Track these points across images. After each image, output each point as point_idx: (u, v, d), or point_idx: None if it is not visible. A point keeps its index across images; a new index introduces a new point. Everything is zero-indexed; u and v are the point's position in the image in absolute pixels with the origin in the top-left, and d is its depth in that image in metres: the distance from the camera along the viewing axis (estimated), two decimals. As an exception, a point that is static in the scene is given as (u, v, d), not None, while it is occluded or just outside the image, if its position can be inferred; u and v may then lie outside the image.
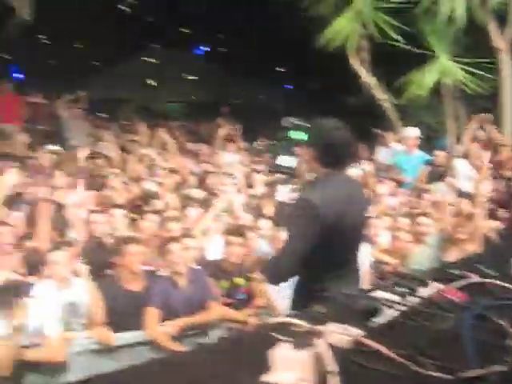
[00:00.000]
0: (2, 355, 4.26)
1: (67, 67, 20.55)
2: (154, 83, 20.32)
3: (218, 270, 5.49)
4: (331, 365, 1.52)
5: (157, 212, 6.52)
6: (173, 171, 8.95)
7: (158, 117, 14.58)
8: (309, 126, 3.56)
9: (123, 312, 4.88)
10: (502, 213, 7.18)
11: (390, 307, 2.00)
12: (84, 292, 4.80)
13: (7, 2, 11.68)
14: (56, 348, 4.52)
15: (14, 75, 19.61)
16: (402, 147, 10.05)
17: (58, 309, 4.66)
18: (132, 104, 16.88)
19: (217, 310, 5.13)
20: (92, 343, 4.77)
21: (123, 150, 10.60)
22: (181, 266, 5.01)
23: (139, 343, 4.88)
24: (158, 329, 4.82)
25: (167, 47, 21.57)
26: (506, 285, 2.23)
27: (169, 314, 4.95)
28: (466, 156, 8.95)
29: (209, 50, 27.15)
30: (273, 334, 1.70)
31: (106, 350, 4.79)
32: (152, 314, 4.86)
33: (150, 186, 8.15)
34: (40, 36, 22.88)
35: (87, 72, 20.31)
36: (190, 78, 21.19)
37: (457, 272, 2.43)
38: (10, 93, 13.98)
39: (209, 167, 9.76)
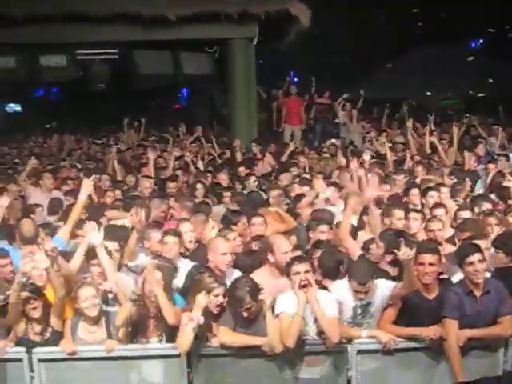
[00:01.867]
0: (288, 329, 4.49)
1: (341, 69, 21.19)
2: (427, 80, 19.72)
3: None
4: None
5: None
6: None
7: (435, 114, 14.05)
8: None
9: (415, 316, 4.81)
10: None
11: None
12: (381, 294, 4.84)
13: (290, 11, 12.43)
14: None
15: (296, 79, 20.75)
16: None
17: (350, 307, 4.81)
18: (407, 103, 16.63)
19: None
20: (375, 343, 4.77)
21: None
22: (479, 275, 4.68)
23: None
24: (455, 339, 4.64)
25: (441, 42, 20.79)
26: None
27: (461, 323, 4.70)
28: None
29: (484, 42, 25.57)
30: None
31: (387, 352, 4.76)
32: (453, 326, 4.65)
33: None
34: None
35: (360, 72, 20.65)
36: (466, 72, 20.10)
37: None
38: (293, 96, 14.95)
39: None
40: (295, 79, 21.83)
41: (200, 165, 10.36)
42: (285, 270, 4.86)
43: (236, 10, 12.04)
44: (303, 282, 4.55)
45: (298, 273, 4.62)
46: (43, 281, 5.01)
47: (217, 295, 4.63)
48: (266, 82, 16.40)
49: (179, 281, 5.23)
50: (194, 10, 11.78)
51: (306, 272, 4.63)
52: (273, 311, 4.65)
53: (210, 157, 11.55)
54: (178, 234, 5.70)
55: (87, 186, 6.18)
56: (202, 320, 4.42)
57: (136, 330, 4.76)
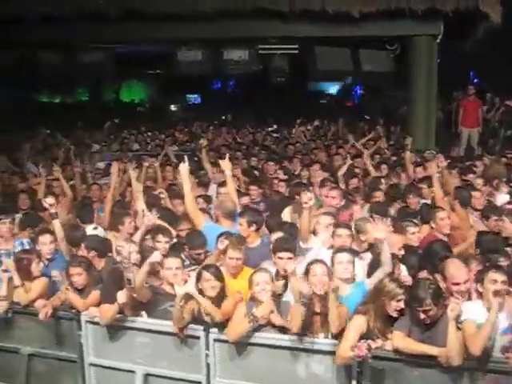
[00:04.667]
0: (475, 335, 4.22)
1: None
2: None
3: None
4: None
5: None
6: None
7: None
8: None
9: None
10: None
11: None
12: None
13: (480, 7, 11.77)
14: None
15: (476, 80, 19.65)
16: None
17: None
18: None
19: None
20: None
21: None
22: None
23: None
24: None
25: None
26: None
27: None
28: None
29: None
30: None
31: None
32: None
33: None
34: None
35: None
36: None
37: None
38: (472, 97, 14.24)
39: None
40: (475, 80, 20.70)
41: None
42: (478, 277, 4.62)
43: (423, 7, 11.63)
44: (500, 290, 4.34)
45: (495, 281, 4.41)
46: (236, 268, 5.29)
47: (399, 300, 4.50)
48: (445, 82, 15.76)
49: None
50: (378, 6, 11.59)
51: (503, 282, 4.40)
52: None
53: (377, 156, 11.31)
54: (349, 227, 5.71)
55: (184, 169, 6.57)
56: (367, 358, 4.30)
57: (303, 324, 4.73)
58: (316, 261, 4.82)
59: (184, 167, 6.59)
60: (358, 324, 4.52)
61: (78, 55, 14.34)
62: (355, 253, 5.48)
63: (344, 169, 9.09)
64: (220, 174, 8.80)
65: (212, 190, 8.61)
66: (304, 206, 5.71)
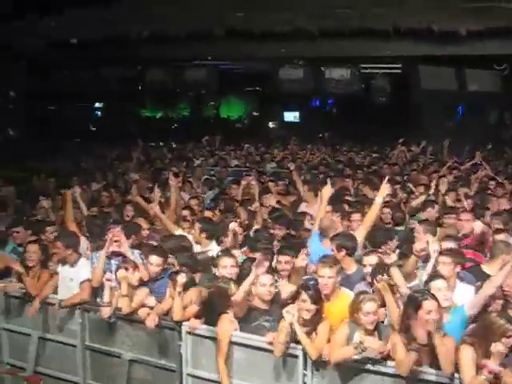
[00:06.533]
0: None
1: None
2: None
3: None
4: None
5: None
6: None
7: None
8: None
9: None
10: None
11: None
12: None
13: None
14: None
15: None
16: None
17: None
18: None
19: None
20: None
21: None
22: None
23: None
24: None
25: None
26: None
27: None
28: None
29: None
30: None
31: None
32: None
33: None
34: None
35: None
36: None
37: None
38: None
39: None
40: None
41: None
42: None
43: (536, 24, 11.11)
44: None
45: None
46: (329, 288, 5.20)
47: (509, 336, 4.26)
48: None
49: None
50: (488, 24, 11.17)
51: None
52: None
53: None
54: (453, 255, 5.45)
55: (327, 190, 6.71)
56: (499, 370, 4.13)
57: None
58: (427, 296, 4.57)
59: (328, 189, 6.78)
60: (471, 357, 4.33)
61: (183, 72, 14.81)
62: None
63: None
64: (312, 193, 8.83)
65: (301, 208, 8.62)
66: (416, 253, 5.44)
